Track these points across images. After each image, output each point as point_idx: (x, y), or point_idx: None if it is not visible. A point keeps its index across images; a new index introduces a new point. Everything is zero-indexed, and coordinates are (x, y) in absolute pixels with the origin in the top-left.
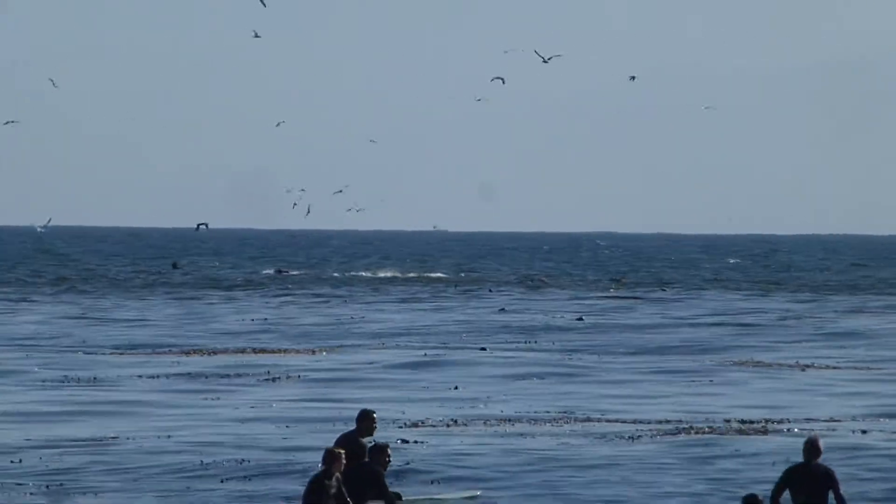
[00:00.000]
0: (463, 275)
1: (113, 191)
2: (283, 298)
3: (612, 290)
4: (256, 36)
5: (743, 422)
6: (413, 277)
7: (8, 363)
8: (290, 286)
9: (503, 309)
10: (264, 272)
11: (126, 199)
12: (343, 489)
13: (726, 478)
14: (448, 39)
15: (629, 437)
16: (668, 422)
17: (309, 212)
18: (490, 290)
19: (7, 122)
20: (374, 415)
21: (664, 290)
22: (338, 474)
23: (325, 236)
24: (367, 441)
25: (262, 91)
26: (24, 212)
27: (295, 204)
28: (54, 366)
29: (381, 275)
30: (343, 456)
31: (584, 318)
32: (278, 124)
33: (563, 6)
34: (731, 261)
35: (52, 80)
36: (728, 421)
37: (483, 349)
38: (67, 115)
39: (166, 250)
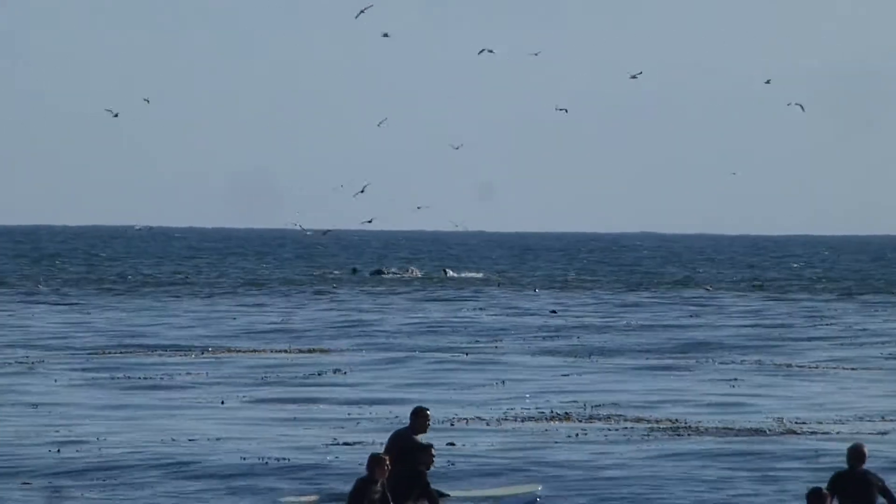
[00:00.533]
0: (500, 275)
1: (113, 190)
2: (328, 297)
3: (654, 289)
4: (386, 36)
5: (796, 422)
6: (456, 277)
7: (54, 361)
8: (334, 286)
9: (554, 311)
10: (336, 272)
11: (127, 198)
12: (388, 493)
13: (775, 475)
14: (449, 38)
15: (678, 435)
16: (717, 425)
17: (301, 226)
18: (535, 291)
19: (115, 115)
20: (428, 412)
21: (707, 290)
22: (382, 479)
23: (365, 238)
24: (421, 438)
25: (262, 91)
26: (25, 210)
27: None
28: (102, 365)
29: (420, 275)
30: (387, 461)
31: (628, 318)
32: (380, 123)
33: (564, 5)
34: (795, 265)
35: (146, 100)
36: (780, 419)
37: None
38: (66, 113)
39: (202, 251)
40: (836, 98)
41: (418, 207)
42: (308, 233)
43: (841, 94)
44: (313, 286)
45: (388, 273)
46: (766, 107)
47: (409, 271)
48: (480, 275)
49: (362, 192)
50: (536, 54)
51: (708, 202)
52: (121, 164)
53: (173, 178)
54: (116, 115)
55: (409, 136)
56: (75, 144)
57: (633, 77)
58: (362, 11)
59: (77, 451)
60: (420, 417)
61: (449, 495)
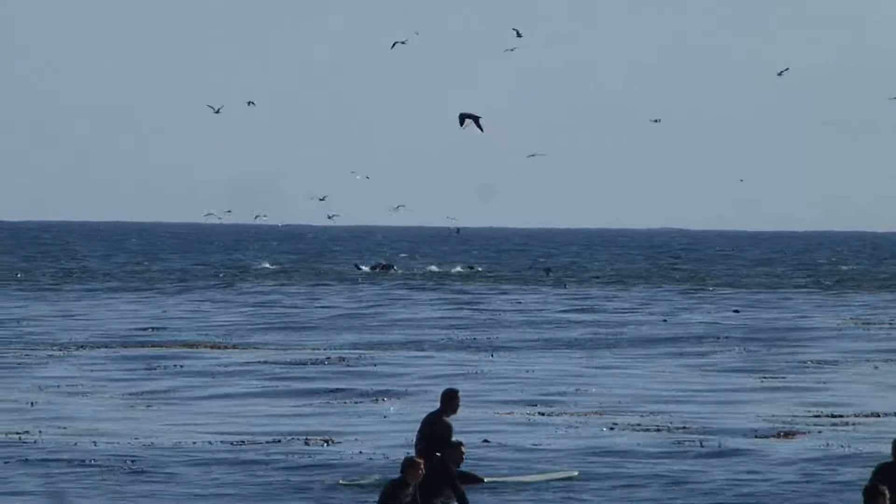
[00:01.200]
0: (524, 269)
1: (115, 188)
2: (349, 289)
3: (688, 284)
4: (518, 35)
5: (833, 416)
6: (480, 272)
7: (90, 355)
8: (359, 280)
9: (589, 306)
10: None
11: (127, 196)
12: (418, 496)
13: (802, 467)
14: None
15: (707, 431)
16: (743, 419)
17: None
18: (565, 287)
19: (249, 103)
20: (459, 392)
21: (734, 289)
22: (415, 482)
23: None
24: (452, 419)
25: (263, 91)
26: (26, 208)
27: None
28: (127, 356)
29: (455, 270)
30: (421, 465)
31: (667, 318)
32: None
33: (564, 5)
34: (845, 267)
35: (251, 102)
36: (818, 416)
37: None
38: (67, 111)
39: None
40: (837, 97)
41: (396, 207)
42: (279, 226)
43: (841, 93)
44: (341, 280)
45: (429, 267)
46: (766, 106)
47: (446, 268)
48: (506, 270)
49: (323, 199)
50: (513, 50)
51: (726, 200)
52: (122, 163)
53: (174, 176)
54: (218, 111)
55: (410, 136)
56: (74, 142)
57: (780, 74)
58: (402, 43)
59: (92, 441)
60: (451, 399)
61: (483, 480)
